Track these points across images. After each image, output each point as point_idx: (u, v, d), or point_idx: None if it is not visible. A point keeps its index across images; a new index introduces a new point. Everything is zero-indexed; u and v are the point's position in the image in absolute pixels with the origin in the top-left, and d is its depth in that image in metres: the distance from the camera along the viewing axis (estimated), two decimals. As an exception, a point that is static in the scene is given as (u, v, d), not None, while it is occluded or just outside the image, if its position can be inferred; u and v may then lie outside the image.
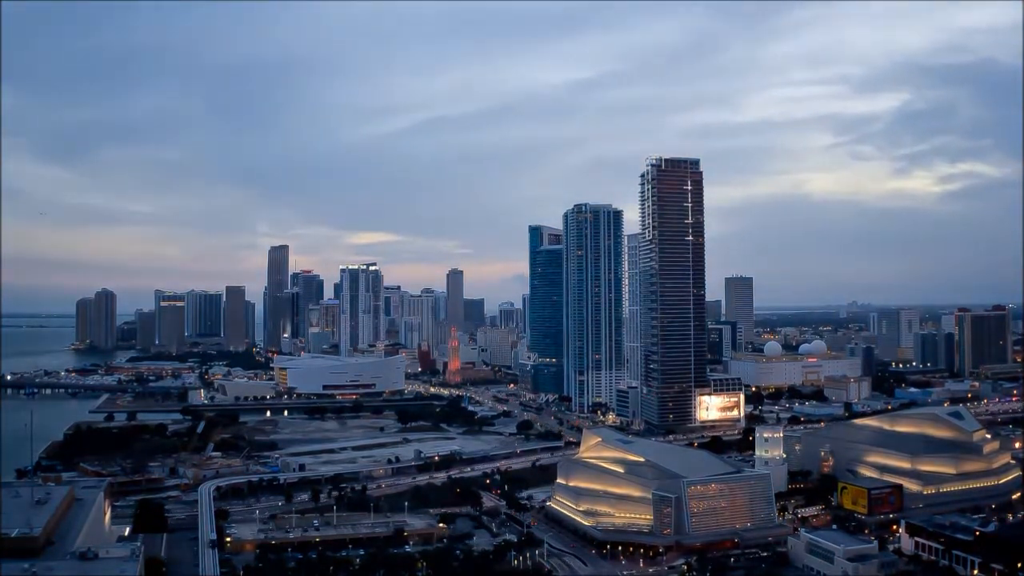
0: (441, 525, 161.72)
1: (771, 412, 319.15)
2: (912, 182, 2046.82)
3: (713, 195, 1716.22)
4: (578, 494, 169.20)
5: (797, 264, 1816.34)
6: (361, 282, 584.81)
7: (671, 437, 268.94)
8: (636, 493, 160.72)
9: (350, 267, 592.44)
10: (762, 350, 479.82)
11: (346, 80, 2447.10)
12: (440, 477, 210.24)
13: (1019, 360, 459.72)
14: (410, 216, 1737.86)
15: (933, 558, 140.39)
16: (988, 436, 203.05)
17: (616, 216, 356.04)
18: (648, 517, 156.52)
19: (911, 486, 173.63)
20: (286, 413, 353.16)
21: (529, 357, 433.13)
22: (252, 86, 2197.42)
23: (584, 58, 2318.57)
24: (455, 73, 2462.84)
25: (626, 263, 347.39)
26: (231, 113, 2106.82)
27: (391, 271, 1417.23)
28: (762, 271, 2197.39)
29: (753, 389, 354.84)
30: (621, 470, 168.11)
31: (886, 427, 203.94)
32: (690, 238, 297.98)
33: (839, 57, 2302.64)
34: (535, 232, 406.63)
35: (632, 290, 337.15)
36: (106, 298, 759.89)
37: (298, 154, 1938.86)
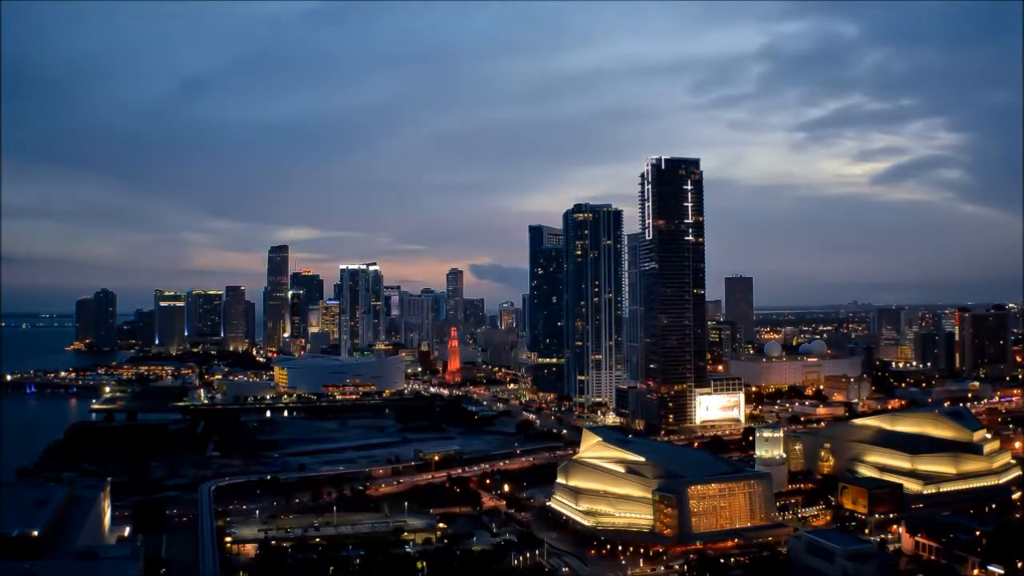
0: (441, 525, 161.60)
1: (771, 412, 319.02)
2: (827, 163, 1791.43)
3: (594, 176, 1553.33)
4: (578, 494, 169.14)
5: (793, 263, 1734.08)
6: (361, 282, 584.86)
7: (671, 437, 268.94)
8: (636, 493, 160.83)
9: (350, 267, 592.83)
10: (762, 350, 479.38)
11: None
12: (440, 477, 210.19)
13: (1019, 360, 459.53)
14: (312, 208, 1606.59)
15: (933, 558, 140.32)
16: (988, 436, 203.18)
17: (616, 216, 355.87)
18: (648, 517, 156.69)
19: (911, 486, 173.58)
20: (286, 413, 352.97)
21: (529, 357, 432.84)
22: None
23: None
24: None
25: (626, 263, 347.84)
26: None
27: (328, 269, 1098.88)
28: (762, 271, 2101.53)
29: (753, 389, 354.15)
30: (621, 470, 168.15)
31: (886, 427, 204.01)
32: (690, 238, 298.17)
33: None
34: (535, 231, 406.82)
35: (632, 290, 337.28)
36: (106, 298, 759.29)
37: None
